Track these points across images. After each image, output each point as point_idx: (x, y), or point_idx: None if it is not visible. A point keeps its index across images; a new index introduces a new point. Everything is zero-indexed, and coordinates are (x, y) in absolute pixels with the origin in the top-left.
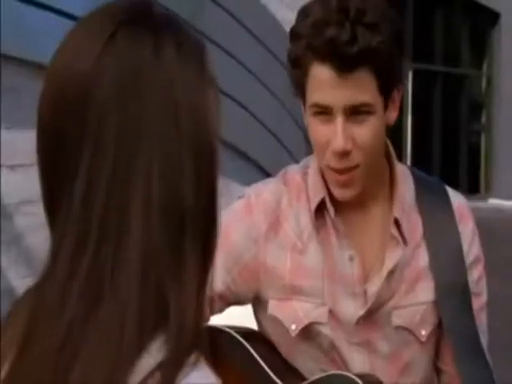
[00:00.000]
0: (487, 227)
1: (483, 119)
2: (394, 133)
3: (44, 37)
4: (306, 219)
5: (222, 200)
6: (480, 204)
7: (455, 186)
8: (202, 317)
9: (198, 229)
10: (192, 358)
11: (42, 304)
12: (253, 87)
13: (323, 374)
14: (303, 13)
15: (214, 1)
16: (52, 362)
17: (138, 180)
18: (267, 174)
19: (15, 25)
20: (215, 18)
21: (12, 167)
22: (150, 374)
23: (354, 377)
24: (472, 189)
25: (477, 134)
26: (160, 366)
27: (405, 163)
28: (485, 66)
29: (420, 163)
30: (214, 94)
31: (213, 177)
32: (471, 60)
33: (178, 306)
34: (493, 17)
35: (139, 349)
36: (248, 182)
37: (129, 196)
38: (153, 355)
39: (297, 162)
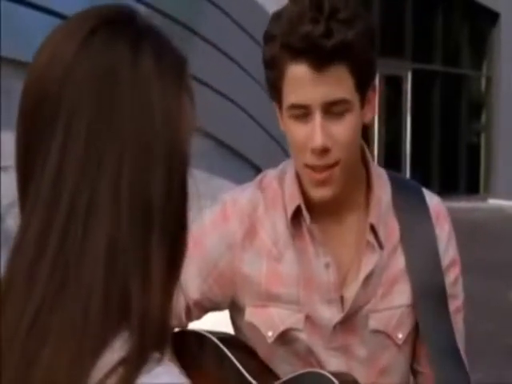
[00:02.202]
0: (487, 227)
1: (483, 119)
2: (393, 133)
3: (38, 38)
4: (282, 226)
5: (214, 200)
6: (480, 204)
7: (455, 187)
8: (168, 315)
9: (166, 226)
10: (156, 354)
11: (10, 287)
12: (250, 87)
13: (298, 372)
14: (276, 16)
15: (209, 0)
16: (19, 349)
17: (108, 169)
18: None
19: (8, 26)
20: (210, 18)
21: (4, 168)
22: (114, 369)
23: (328, 375)
24: (471, 189)
25: (476, 134)
26: (123, 362)
27: (404, 164)
28: (484, 66)
29: (419, 164)
30: (190, 105)
31: (183, 178)
32: (471, 60)
33: (140, 301)
34: (492, 17)
35: (103, 340)
36: (241, 181)
37: (98, 184)
38: (116, 351)
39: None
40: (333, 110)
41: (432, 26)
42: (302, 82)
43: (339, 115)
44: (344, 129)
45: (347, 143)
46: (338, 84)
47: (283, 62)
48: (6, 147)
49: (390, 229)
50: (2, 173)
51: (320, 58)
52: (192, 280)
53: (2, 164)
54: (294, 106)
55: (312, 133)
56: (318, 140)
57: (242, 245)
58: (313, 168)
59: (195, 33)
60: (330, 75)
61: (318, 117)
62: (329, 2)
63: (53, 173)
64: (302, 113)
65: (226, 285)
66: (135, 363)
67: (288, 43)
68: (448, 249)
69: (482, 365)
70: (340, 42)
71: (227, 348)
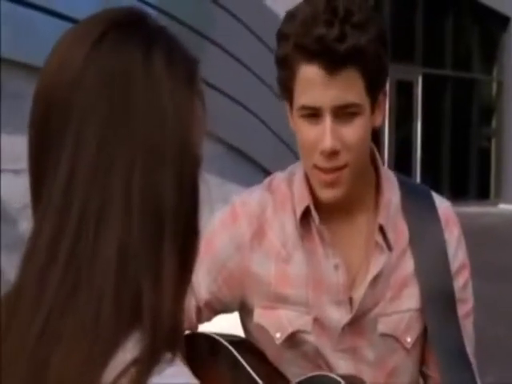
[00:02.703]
0: (497, 232)
1: (493, 124)
2: (404, 137)
3: (49, 42)
4: (291, 227)
5: (225, 204)
6: (490, 209)
7: (465, 192)
8: (180, 317)
9: (177, 230)
10: (168, 355)
11: (22, 292)
12: (260, 92)
13: (307, 375)
14: (290, 14)
15: (218, 4)
16: (29, 353)
17: (119, 174)
18: None
19: (18, 29)
20: (220, 22)
21: (16, 172)
22: (126, 370)
23: (337, 377)
24: (482, 194)
25: (487, 139)
26: (135, 362)
27: (414, 169)
28: (495, 71)
29: (429, 168)
30: (201, 107)
31: (195, 181)
32: (481, 65)
33: (152, 303)
34: (503, 21)
35: (115, 343)
36: (252, 185)
37: (109, 190)
38: (129, 351)
39: None
40: (343, 113)
41: (442, 30)
42: (314, 83)
43: (349, 118)
44: (354, 132)
45: (356, 146)
46: (349, 88)
47: (296, 63)
48: (19, 150)
49: (399, 231)
50: (16, 176)
51: (332, 62)
52: (202, 280)
53: (16, 167)
54: (304, 107)
55: (322, 135)
56: (328, 142)
57: (251, 245)
58: (321, 169)
59: (205, 37)
60: (341, 79)
61: (328, 119)
62: (343, 4)
63: (64, 178)
64: (313, 114)
65: (234, 285)
66: (147, 364)
67: (301, 44)
68: (457, 253)
69: (493, 369)
70: (353, 46)
71: (237, 351)
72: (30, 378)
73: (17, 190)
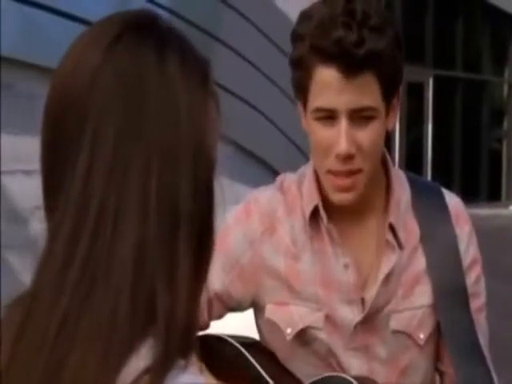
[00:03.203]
0: (509, 234)
1: (504, 126)
2: (415, 140)
3: (61, 43)
4: (300, 227)
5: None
6: (501, 211)
7: (476, 194)
8: (194, 320)
9: (192, 231)
10: (182, 361)
11: (39, 293)
12: (271, 93)
13: (320, 376)
14: (305, 15)
15: (228, 4)
16: (45, 356)
17: (135, 174)
18: None
19: (26, 29)
20: (231, 23)
21: (28, 172)
22: (139, 377)
23: (350, 378)
24: (493, 196)
25: (498, 140)
26: (148, 370)
27: (425, 170)
28: (506, 72)
29: (440, 170)
30: (215, 108)
31: (210, 181)
32: (492, 66)
33: (166, 305)
34: None
35: (130, 346)
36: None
37: (126, 190)
38: (142, 358)
39: None
40: (358, 116)
41: (453, 32)
42: (330, 86)
43: (364, 122)
44: (369, 136)
45: (371, 150)
46: (366, 92)
47: (312, 64)
48: (30, 151)
49: (410, 229)
50: (28, 177)
51: (350, 65)
52: (215, 275)
53: (28, 168)
54: (319, 109)
55: (337, 138)
56: (343, 146)
57: (262, 240)
58: (335, 174)
59: (216, 38)
60: (357, 83)
61: (343, 122)
62: (361, 7)
63: (81, 181)
64: (328, 116)
65: (247, 281)
66: (160, 372)
67: (318, 46)
68: (469, 248)
69: (506, 372)
70: (370, 50)
71: (248, 352)
72: (44, 379)
73: (28, 190)
